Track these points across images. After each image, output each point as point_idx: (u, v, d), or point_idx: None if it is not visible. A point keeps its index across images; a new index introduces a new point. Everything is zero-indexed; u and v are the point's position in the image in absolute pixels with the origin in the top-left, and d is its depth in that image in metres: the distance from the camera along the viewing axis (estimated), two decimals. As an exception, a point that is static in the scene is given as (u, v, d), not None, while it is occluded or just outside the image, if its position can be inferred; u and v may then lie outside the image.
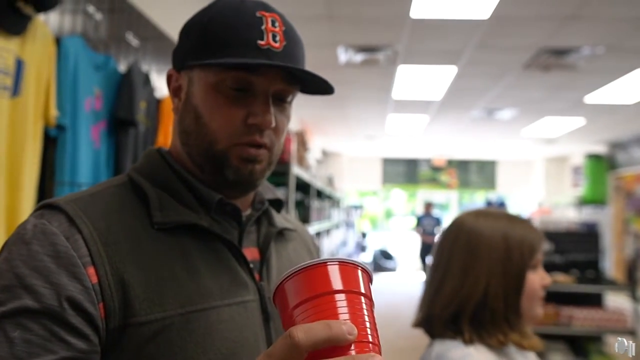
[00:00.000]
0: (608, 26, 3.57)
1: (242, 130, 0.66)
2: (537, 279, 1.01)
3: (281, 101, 0.69)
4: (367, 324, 0.44)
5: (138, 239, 0.63)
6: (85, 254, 0.59)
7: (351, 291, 0.45)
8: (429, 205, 9.43)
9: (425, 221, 9.17)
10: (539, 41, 3.90)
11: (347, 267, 0.46)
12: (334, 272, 0.45)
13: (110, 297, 0.59)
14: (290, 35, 0.68)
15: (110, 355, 0.59)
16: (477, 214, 1.07)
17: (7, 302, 0.54)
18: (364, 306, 0.45)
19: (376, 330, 0.45)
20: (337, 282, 0.45)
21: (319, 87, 0.71)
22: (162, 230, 0.65)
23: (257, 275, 0.71)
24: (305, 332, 0.40)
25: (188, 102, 0.69)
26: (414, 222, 9.50)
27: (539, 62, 4.38)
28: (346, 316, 0.43)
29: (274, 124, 0.66)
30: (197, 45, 0.67)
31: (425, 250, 8.74)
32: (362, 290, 0.46)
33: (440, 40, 3.96)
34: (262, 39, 0.65)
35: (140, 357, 0.59)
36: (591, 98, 5.51)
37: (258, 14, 0.66)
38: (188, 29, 0.70)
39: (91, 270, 0.58)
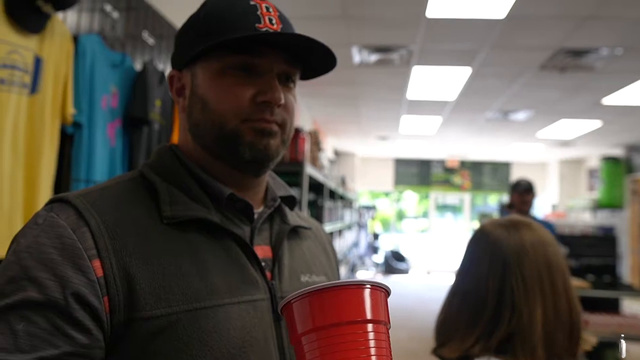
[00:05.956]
0: (627, 27, 3.51)
1: (251, 109, 0.66)
2: None
3: (286, 81, 0.70)
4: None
5: (146, 233, 0.63)
6: (92, 246, 0.58)
7: (366, 320, 0.41)
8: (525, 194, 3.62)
9: None
10: (556, 42, 3.85)
11: (363, 290, 0.42)
12: (349, 297, 0.41)
13: (115, 291, 0.58)
14: (285, 19, 0.70)
15: (116, 349, 0.59)
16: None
17: (13, 294, 0.54)
18: (381, 336, 0.41)
19: None
20: (351, 311, 0.41)
21: (321, 63, 0.72)
22: (172, 225, 0.64)
23: (268, 274, 0.70)
24: None
25: (194, 95, 0.69)
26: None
27: (555, 63, 4.33)
28: (365, 353, 0.40)
29: (283, 101, 0.67)
30: (197, 38, 0.68)
31: None
32: (380, 317, 0.42)
33: (455, 40, 3.93)
34: (259, 23, 0.66)
35: (146, 352, 0.59)
36: (609, 100, 5.43)
37: (252, 2, 0.68)
38: (185, 29, 0.72)
39: (97, 264, 0.58)
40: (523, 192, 3.49)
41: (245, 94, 0.66)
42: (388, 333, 0.43)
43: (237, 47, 0.66)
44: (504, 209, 3.75)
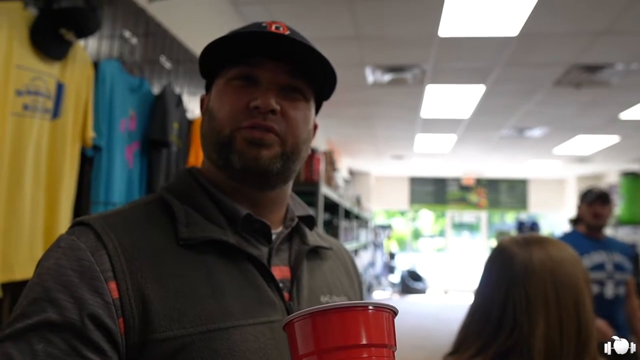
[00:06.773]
0: (642, 41, 3.49)
1: (244, 114, 0.67)
2: None
3: (292, 92, 0.70)
4: None
5: (162, 255, 0.63)
6: (108, 268, 0.60)
7: (371, 344, 0.39)
8: (597, 205, 2.71)
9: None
10: (570, 57, 3.84)
11: (369, 311, 0.40)
12: (354, 319, 0.40)
13: (130, 313, 0.59)
14: (296, 33, 0.71)
15: None
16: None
17: (34, 315, 0.56)
18: None
19: None
20: (356, 333, 0.39)
21: (327, 77, 0.72)
22: (188, 247, 0.65)
23: (286, 295, 0.69)
24: None
25: (206, 110, 0.73)
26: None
27: (570, 79, 4.31)
28: None
29: (273, 107, 0.67)
30: (213, 60, 0.72)
31: None
32: (385, 341, 0.40)
33: (468, 58, 3.94)
34: (264, 30, 0.68)
35: None
36: (626, 115, 5.37)
37: (263, 24, 0.70)
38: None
39: (113, 285, 0.59)
40: (594, 203, 2.71)
41: (241, 101, 0.68)
42: (394, 357, 0.42)
43: (240, 59, 0.69)
44: (572, 225, 2.82)
